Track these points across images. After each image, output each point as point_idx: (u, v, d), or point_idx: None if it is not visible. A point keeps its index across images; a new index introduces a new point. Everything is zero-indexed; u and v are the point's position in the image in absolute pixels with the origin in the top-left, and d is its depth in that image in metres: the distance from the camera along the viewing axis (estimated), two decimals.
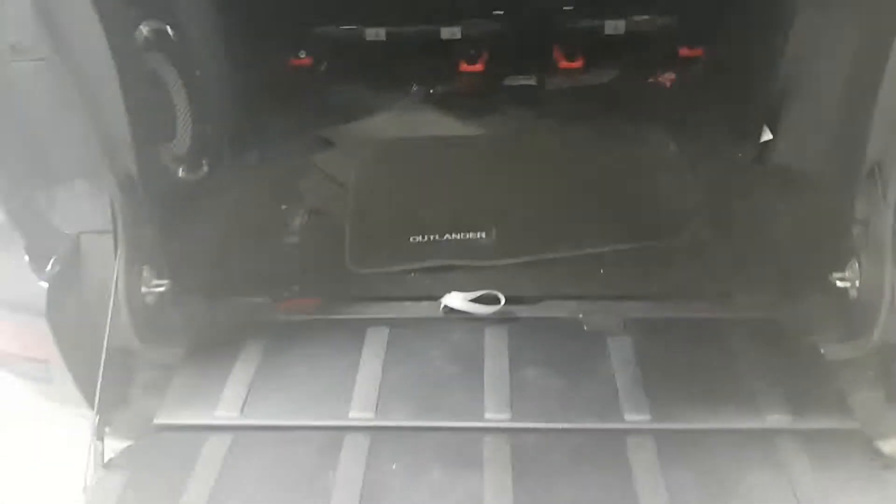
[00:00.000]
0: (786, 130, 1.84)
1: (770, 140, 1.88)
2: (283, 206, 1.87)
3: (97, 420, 1.33)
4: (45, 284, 1.32)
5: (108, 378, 1.36)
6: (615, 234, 1.70)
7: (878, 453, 1.26)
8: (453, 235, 1.72)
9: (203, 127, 1.85)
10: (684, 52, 2.47)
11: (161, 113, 1.70)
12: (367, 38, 2.47)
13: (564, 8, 2.39)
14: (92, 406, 1.38)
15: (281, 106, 2.21)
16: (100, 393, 1.33)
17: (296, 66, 2.52)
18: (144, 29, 1.64)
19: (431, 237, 1.72)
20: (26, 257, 1.32)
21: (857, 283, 1.39)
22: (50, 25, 1.24)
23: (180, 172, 1.71)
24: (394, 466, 1.24)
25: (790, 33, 1.77)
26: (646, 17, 2.43)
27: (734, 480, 1.20)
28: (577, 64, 2.48)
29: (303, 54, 2.54)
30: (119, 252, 1.37)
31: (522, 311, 1.54)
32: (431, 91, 2.37)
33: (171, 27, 1.76)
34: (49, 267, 1.33)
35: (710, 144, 2.02)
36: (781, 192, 1.76)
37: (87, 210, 1.38)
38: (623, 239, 1.69)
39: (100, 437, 1.34)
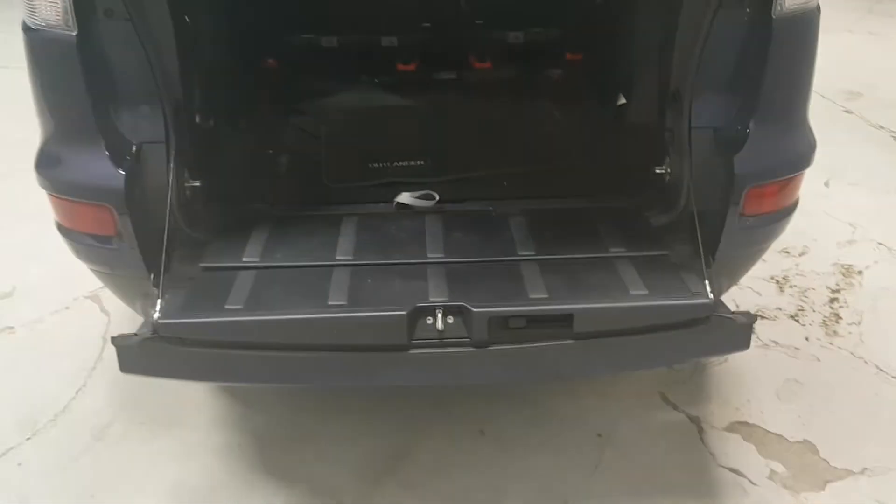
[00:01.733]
0: (633, 94, 2.60)
1: (624, 103, 2.64)
2: (270, 151, 2.51)
3: (161, 270, 1.91)
4: (122, 173, 1.90)
5: (161, 247, 1.95)
6: (515, 161, 2.41)
7: (685, 269, 1.96)
8: (401, 163, 2.40)
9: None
10: (569, 56, 3.25)
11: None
12: (323, 45, 3.15)
13: (476, 22, 3.15)
14: (149, 269, 1.96)
15: (260, 91, 2.86)
16: (164, 250, 1.91)
17: (265, 68, 3.17)
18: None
19: (385, 164, 2.39)
20: (107, 153, 1.91)
21: (669, 170, 2.12)
22: None
23: (197, 119, 2.33)
24: (369, 281, 1.88)
25: (633, 37, 2.53)
26: (539, 29, 3.20)
27: (585, 280, 1.88)
28: (487, 65, 3.22)
29: (270, 60, 3.20)
30: (170, 157, 1.97)
31: (451, 207, 2.21)
32: (377, 81, 3.06)
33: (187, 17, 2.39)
34: (124, 163, 1.92)
35: (584, 111, 2.77)
36: (628, 132, 2.50)
37: (147, 126, 1.97)
38: (521, 163, 2.40)
39: (157, 285, 1.93)
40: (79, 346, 2.81)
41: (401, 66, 3.18)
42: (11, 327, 2.93)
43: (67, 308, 3.02)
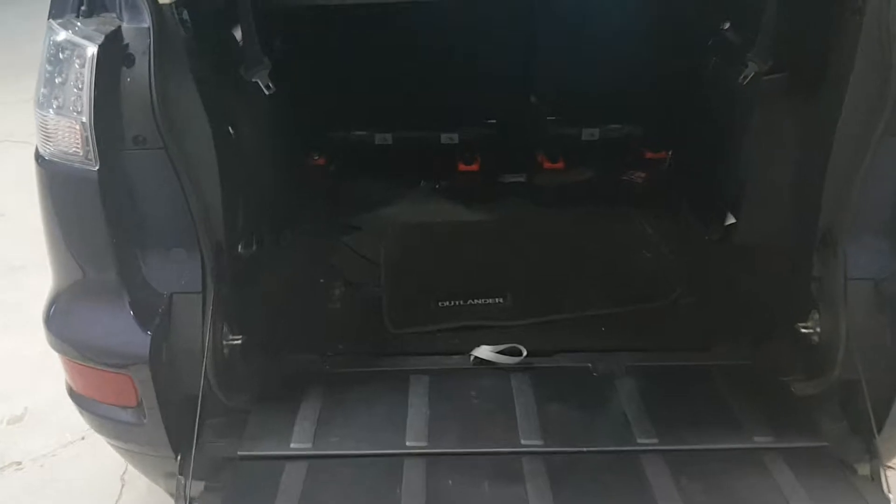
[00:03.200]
0: (746, 214, 2.21)
1: (733, 223, 2.25)
2: (322, 280, 2.14)
3: (187, 457, 1.53)
4: (149, 335, 1.54)
5: (190, 421, 1.58)
6: (611, 299, 2.02)
7: (850, 468, 1.54)
8: (475, 301, 2.02)
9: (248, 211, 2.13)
10: (650, 155, 2.89)
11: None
12: (377, 142, 2.83)
13: (547, 118, 2.80)
14: (175, 446, 1.59)
15: (308, 199, 2.52)
16: (196, 433, 1.54)
17: (312, 167, 2.85)
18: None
19: (456, 302, 2.01)
20: (131, 312, 1.56)
21: (818, 329, 1.71)
22: (167, 122, 1.53)
23: (239, 248, 1.98)
24: (450, 482, 1.48)
25: (743, 135, 2.17)
26: (616, 126, 2.85)
27: (730, 487, 1.46)
28: (559, 165, 2.87)
29: (317, 156, 2.88)
30: (207, 310, 1.61)
31: (541, 361, 1.82)
32: (437, 186, 2.72)
33: (231, 126, 2.07)
34: (152, 321, 1.57)
35: (679, 228, 2.39)
36: (748, 264, 2.10)
37: (180, 274, 1.62)
38: (618, 303, 2.01)
39: (185, 473, 1.55)
40: (94, 488, 2.44)
41: (463, 167, 2.85)
42: (19, 463, 2.57)
43: (83, 439, 2.65)
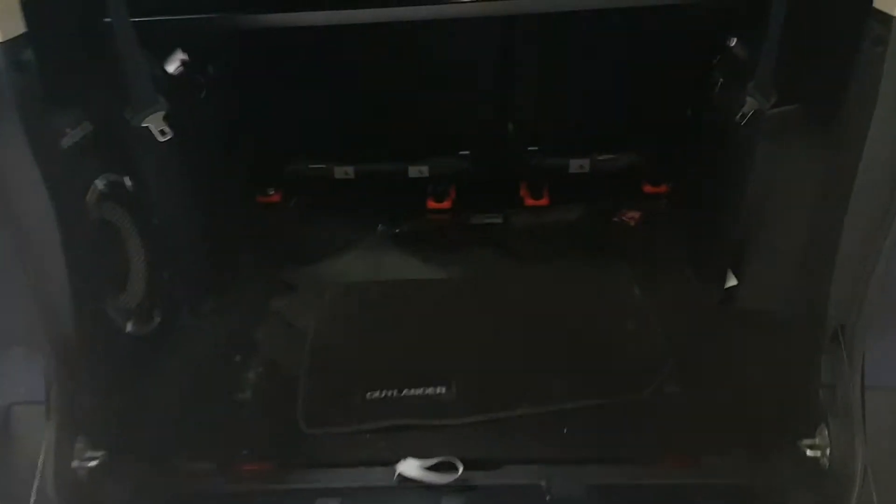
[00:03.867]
0: (749, 276, 1.83)
1: (734, 285, 1.87)
2: (237, 358, 1.81)
3: None
4: None
5: None
6: (579, 390, 1.64)
7: None
8: (411, 391, 1.65)
9: (159, 274, 1.82)
10: (648, 188, 2.50)
11: (110, 266, 1.66)
12: (337, 177, 2.48)
13: (529, 148, 2.42)
14: None
15: (244, 246, 2.19)
16: None
17: (264, 203, 2.53)
18: (100, 183, 1.63)
19: (388, 393, 1.65)
20: None
21: (828, 451, 1.33)
22: None
23: (128, 327, 1.66)
24: None
25: (752, 175, 1.78)
26: (610, 155, 2.46)
27: None
28: (543, 201, 2.50)
29: (271, 191, 2.56)
30: (50, 424, 1.29)
31: (481, 477, 1.46)
32: (397, 230, 2.36)
33: (129, 177, 1.75)
34: None
35: (674, 287, 2.00)
36: (747, 344, 1.72)
37: (21, 379, 1.31)
38: (587, 395, 1.63)
39: None
40: None
41: (433, 204, 2.50)
42: None
43: None
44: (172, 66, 1.85)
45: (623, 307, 1.93)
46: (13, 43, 1.24)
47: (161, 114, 1.66)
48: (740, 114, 1.68)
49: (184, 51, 1.87)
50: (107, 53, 1.57)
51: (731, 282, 1.88)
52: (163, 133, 1.68)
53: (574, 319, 1.89)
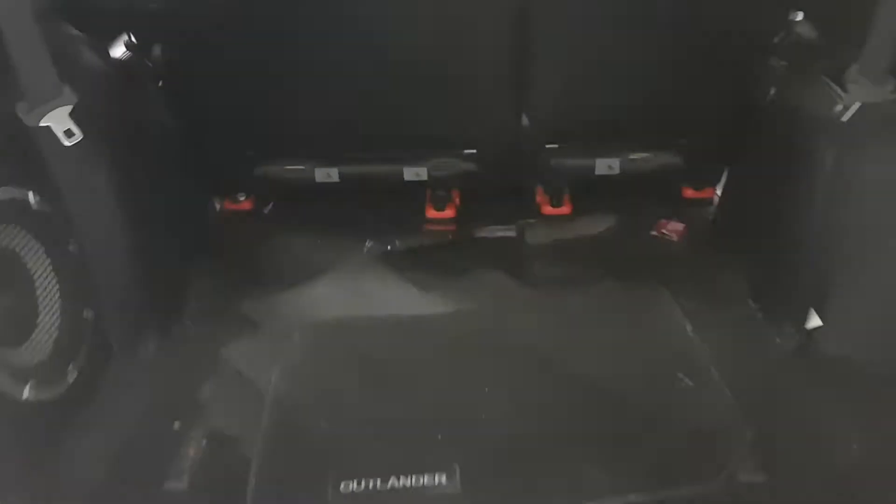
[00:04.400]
0: (840, 316, 1.41)
1: (819, 327, 1.45)
2: (176, 425, 1.39)
3: None
4: None
5: None
6: (628, 480, 1.23)
7: None
8: (401, 481, 1.24)
9: (77, 316, 1.41)
10: (691, 193, 2.09)
11: (4, 311, 1.26)
12: (318, 180, 2.07)
13: (548, 146, 2.00)
14: None
15: (200, 270, 1.78)
16: None
17: (233, 212, 2.13)
18: None
19: (370, 483, 1.24)
20: None
21: None
22: None
23: (25, 393, 1.25)
24: None
25: (853, 184, 1.35)
26: (644, 154, 2.04)
27: None
28: (565, 210, 2.08)
29: (242, 197, 2.16)
30: None
31: None
32: (389, 248, 1.94)
33: (34, 193, 1.34)
34: None
35: (735, 327, 1.58)
36: (840, 404, 1.31)
37: None
38: (638, 487, 1.22)
39: None
40: None
41: (433, 213, 2.08)
42: None
43: None
44: (117, 50, 1.47)
45: (675, 355, 1.50)
46: None
47: (66, 109, 1.25)
48: (840, 107, 1.25)
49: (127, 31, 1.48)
50: None
51: (815, 322, 1.47)
52: (69, 134, 1.26)
53: (614, 375, 1.46)
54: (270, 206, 2.18)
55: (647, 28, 1.75)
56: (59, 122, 1.25)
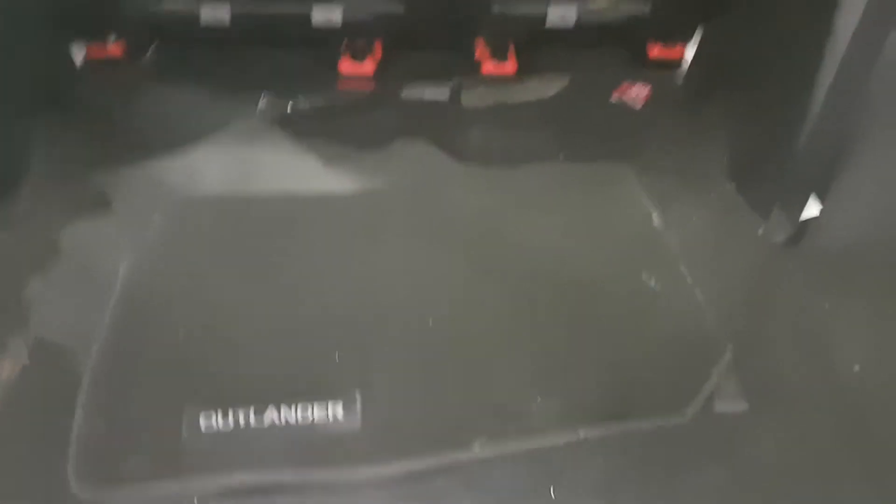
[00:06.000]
0: (844, 201, 1.14)
1: (815, 217, 1.18)
2: None
3: None
4: None
5: None
6: (574, 411, 0.95)
7: None
8: (283, 412, 0.93)
9: None
10: (657, 51, 1.76)
11: None
12: (204, 22, 1.68)
13: None
14: None
15: (45, 133, 1.38)
16: None
17: (98, 61, 1.72)
18: None
19: (239, 417, 0.93)
20: None
21: None
22: None
23: None
24: None
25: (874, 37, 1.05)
26: (604, 2, 1.71)
27: None
28: (509, 67, 1.73)
29: (111, 39, 1.75)
30: None
31: None
32: (288, 109, 1.57)
33: None
34: None
35: (712, 215, 1.29)
36: (840, 312, 1.06)
37: None
38: (586, 418, 0.94)
39: None
40: None
41: (348, 67, 1.71)
42: None
43: None
44: None
45: (638, 250, 1.21)
46: None
47: None
48: None
49: None
50: None
51: (812, 210, 1.19)
52: None
53: (563, 275, 1.16)
54: (145, 54, 1.77)
55: None
56: None
